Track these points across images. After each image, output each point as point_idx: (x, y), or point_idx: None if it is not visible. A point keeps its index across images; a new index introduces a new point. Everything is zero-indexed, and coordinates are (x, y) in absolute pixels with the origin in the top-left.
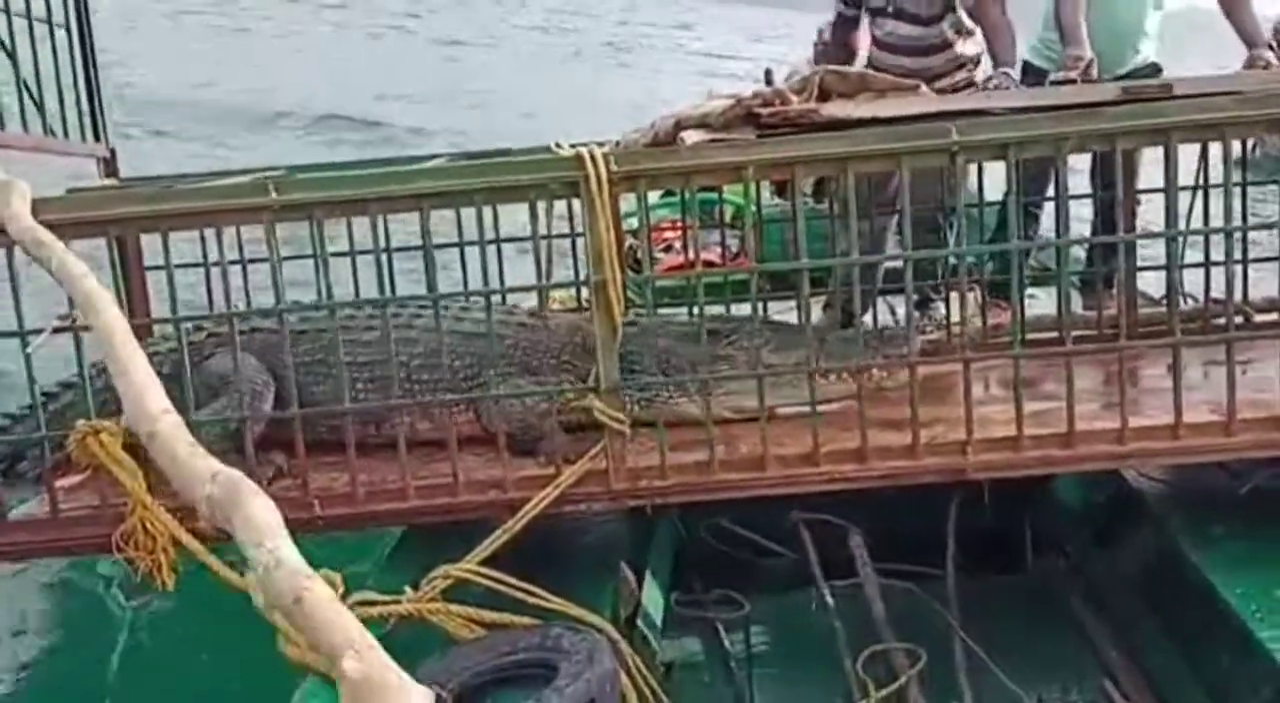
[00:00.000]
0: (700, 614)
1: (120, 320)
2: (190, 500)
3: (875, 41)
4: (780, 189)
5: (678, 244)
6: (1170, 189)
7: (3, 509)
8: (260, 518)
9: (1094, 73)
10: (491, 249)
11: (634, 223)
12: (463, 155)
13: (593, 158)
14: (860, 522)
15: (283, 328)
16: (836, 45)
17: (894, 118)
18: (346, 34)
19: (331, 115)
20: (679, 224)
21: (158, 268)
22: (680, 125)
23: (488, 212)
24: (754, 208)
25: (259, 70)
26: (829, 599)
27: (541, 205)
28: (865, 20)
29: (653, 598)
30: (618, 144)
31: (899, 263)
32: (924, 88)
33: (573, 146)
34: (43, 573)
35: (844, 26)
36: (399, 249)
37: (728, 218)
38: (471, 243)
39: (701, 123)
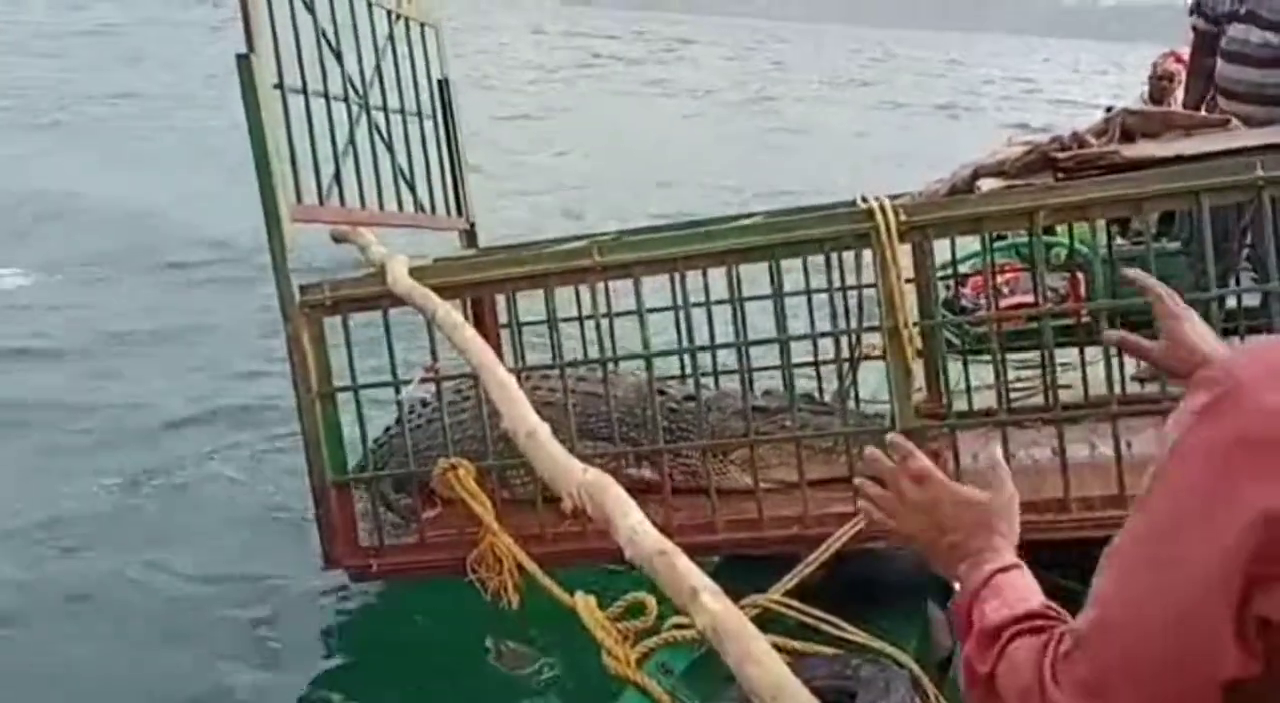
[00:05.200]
0: None
1: (491, 355)
2: (561, 488)
3: (1220, 53)
4: (1123, 229)
5: (1004, 289)
6: None
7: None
8: (624, 499)
9: None
10: (793, 301)
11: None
12: (778, 213)
13: (882, 209)
14: None
15: (605, 376)
16: (1197, 71)
17: (1199, 155)
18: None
19: None
20: (1005, 268)
21: (504, 327)
22: (978, 174)
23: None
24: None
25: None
26: None
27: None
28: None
29: None
30: (918, 195)
31: (1252, 301)
32: (1235, 123)
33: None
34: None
35: (1202, 42)
36: (716, 303)
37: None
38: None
39: (998, 171)
